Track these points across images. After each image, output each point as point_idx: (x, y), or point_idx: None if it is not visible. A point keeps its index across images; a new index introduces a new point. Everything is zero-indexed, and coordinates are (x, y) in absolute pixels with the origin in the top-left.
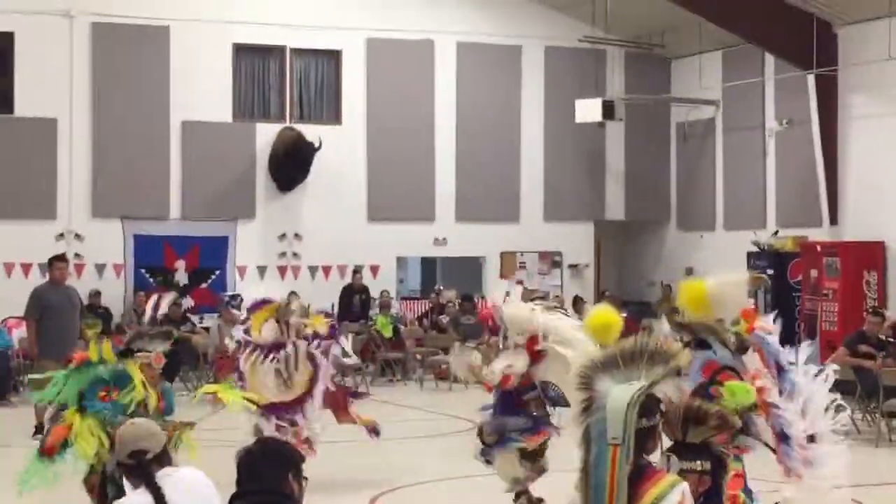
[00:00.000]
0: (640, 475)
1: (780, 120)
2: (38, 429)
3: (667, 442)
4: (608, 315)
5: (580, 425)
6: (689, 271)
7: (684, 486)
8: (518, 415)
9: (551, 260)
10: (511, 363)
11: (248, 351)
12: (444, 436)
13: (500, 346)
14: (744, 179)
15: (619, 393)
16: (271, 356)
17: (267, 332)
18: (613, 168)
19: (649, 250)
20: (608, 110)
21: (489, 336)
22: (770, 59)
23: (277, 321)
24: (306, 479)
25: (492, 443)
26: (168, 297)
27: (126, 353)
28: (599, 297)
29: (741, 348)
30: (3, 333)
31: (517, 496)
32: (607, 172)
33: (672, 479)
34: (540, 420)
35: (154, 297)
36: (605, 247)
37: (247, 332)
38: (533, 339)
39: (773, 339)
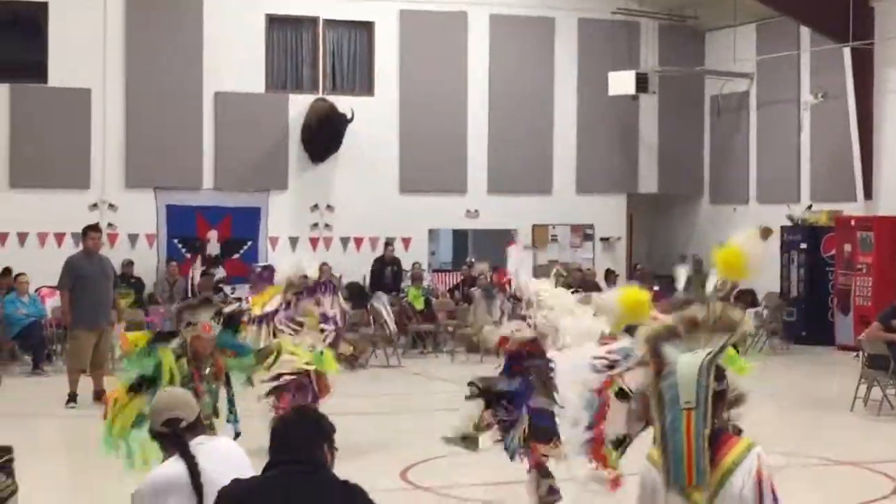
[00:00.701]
0: (716, 440)
1: (815, 93)
2: (72, 398)
3: None
4: (637, 293)
5: (653, 392)
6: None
7: (758, 449)
8: (512, 377)
9: (583, 233)
10: (519, 328)
11: (253, 326)
12: None
13: (509, 312)
14: (778, 153)
15: (688, 359)
16: (271, 321)
17: (272, 305)
18: (646, 141)
19: (682, 224)
20: (641, 83)
21: (501, 300)
22: (805, 32)
23: (285, 292)
24: (336, 449)
25: (471, 392)
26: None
27: (160, 337)
28: (631, 270)
29: None
30: (37, 303)
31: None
32: (640, 145)
33: (746, 442)
34: (525, 391)
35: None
36: (637, 220)
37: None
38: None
39: None
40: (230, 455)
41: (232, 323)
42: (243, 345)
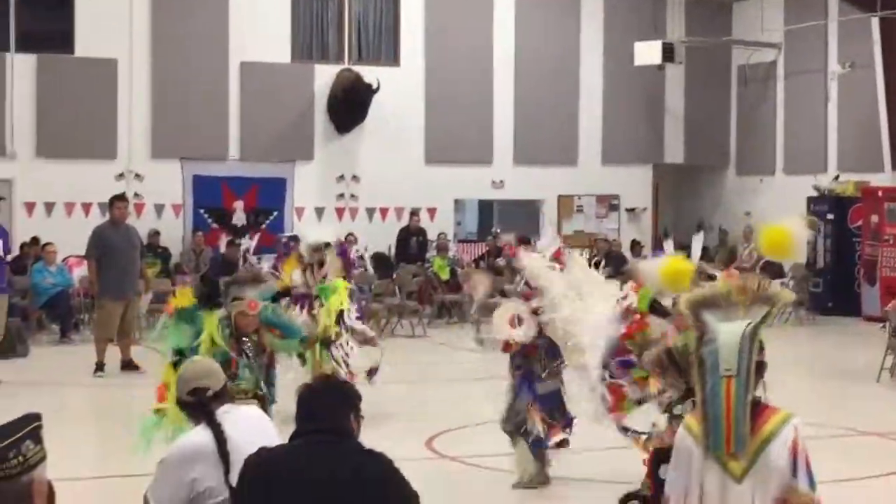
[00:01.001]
0: (755, 410)
1: (842, 63)
2: (99, 367)
3: None
4: (679, 263)
5: (695, 358)
6: (748, 215)
7: (796, 420)
8: (531, 364)
9: (609, 203)
10: (516, 329)
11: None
12: (501, 378)
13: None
14: (805, 123)
15: (730, 327)
16: (300, 305)
17: (296, 279)
18: (672, 111)
19: (708, 194)
20: (668, 53)
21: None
22: (833, 2)
23: (303, 269)
24: (362, 417)
25: (515, 440)
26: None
27: (208, 302)
28: (657, 240)
29: None
30: (64, 272)
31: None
32: (666, 116)
33: (784, 414)
34: (530, 386)
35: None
36: (663, 190)
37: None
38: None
39: None
40: (257, 423)
41: (278, 299)
42: (291, 326)
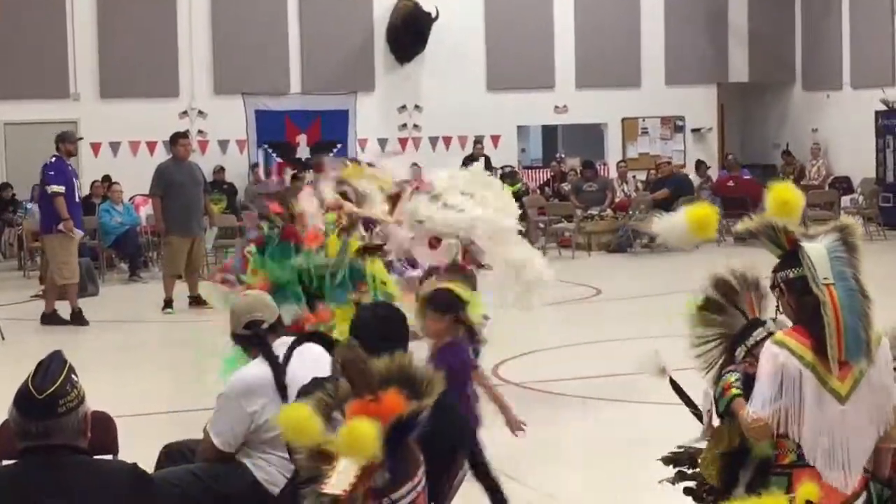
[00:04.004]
0: None
1: None
2: (168, 303)
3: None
4: (703, 209)
5: (790, 278)
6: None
7: (885, 339)
8: None
9: (674, 124)
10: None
11: None
12: (567, 303)
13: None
14: (872, 36)
15: (811, 243)
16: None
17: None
18: (736, 28)
19: (774, 112)
20: None
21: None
22: None
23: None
24: None
25: None
26: None
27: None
28: (723, 160)
29: None
30: (131, 211)
31: None
32: (730, 33)
33: (877, 332)
34: None
35: None
36: (728, 109)
37: None
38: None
39: None
40: (312, 354)
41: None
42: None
